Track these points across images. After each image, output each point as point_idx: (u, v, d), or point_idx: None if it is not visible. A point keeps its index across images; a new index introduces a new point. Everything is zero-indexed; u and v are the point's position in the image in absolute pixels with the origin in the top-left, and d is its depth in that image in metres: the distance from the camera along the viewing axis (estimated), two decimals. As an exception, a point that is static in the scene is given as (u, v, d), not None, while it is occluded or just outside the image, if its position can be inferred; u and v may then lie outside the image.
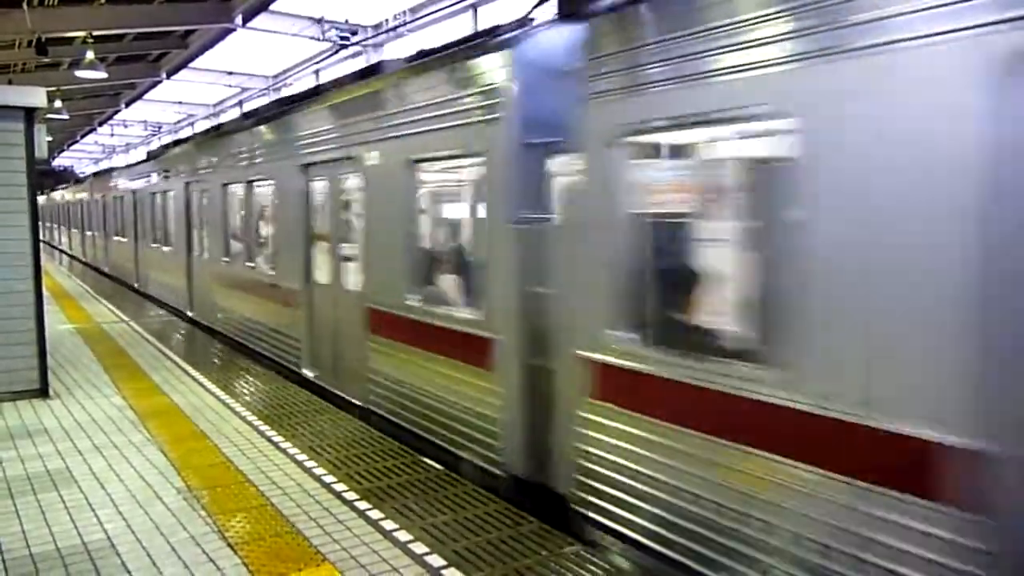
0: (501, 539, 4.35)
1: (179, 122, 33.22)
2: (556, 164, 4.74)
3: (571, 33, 4.37)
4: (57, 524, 4.52)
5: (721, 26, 3.45)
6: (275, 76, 23.77)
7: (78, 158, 49.73)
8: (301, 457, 5.73)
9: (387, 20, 16.54)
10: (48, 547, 4.23)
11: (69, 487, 5.13)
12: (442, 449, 5.81)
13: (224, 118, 28.98)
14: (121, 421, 6.69)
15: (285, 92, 22.98)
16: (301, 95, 9.38)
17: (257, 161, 9.74)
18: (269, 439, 6.18)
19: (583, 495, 4.37)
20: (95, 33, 16.23)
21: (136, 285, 17.49)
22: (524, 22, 5.21)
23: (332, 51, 18.08)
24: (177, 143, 15.94)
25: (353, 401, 7.25)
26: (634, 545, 4.04)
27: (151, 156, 17.04)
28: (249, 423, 6.63)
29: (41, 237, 8.29)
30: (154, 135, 36.02)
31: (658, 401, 3.88)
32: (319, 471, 5.43)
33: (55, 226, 35.16)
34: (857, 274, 2.92)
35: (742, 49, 3.35)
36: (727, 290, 4.18)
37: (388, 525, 4.52)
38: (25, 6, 14.51)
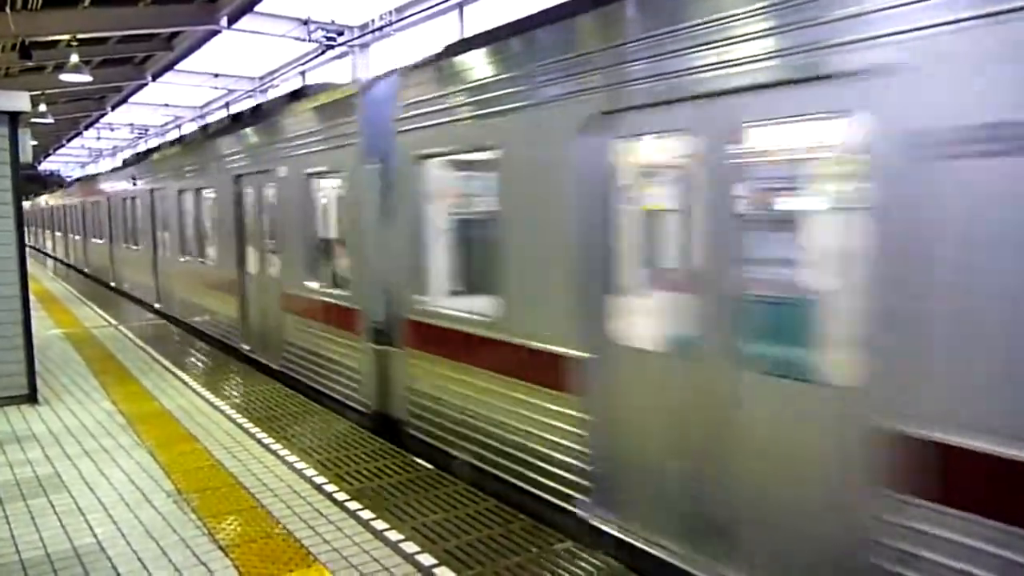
0: (491, 537, 4.38)
1: (165, 124, 33.07)
2: None
3: None
4: (47, 529, 4.52)
5: None
6: (261, 78, 23.72)
7: (64, 162, 49.44)
8: (291, 459, 5.74)
9: (373, 20, 16.54)
10: (38, 552, 4.23)
11: (59, 492, 5.13)
12: None
13: (211, 119, 28.93)
14: (110, 425, 6.68)
15: (272, 94, 22.98)
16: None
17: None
18: (259, 441, 6.18)
19: None
20: (79, 36, 16.10)
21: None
22: None
23: (318, 52, 18.05)
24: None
25: None
26: None
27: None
28: (239, 425, 6.63)
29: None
30: (140, 138, 35.85)
31: None
32: (309, 472, 5.45)
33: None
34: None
35: None
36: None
37: (379, 525, 4.54)
38: (8, 9, 14.39)
